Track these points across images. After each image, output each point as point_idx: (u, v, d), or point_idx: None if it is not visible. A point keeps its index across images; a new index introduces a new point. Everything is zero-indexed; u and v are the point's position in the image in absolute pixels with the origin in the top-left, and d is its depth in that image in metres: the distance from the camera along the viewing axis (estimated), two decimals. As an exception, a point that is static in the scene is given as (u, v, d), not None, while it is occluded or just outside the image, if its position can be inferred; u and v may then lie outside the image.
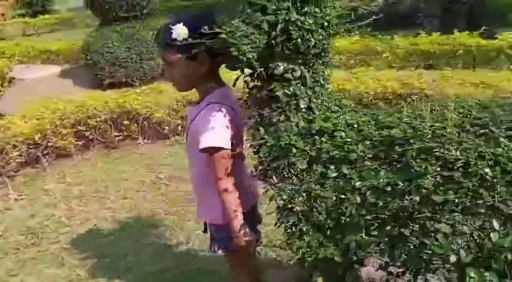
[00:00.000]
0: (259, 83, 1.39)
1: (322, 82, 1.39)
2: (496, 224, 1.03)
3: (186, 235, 2.82)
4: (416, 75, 3.94)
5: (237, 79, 1.44)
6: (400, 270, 1.30)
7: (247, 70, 1.41)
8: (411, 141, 1.16)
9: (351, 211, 1.25)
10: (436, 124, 1.16)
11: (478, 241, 1.06)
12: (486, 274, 1.06)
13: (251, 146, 1.46)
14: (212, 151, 1.48)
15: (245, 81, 1.44)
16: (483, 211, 1.03)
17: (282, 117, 1.36)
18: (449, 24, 6.95)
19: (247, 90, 1.45)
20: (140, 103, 4.13)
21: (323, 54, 1.36)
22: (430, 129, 1.16)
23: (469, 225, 1.05)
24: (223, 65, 1.50)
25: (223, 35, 1.21)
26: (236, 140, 1.53)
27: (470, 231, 1.06)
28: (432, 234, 1.12)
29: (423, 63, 5.31)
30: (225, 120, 1.49)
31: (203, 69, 1.52)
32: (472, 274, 1.09)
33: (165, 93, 4.44)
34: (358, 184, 1.23)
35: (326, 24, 1.30)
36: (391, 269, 1.29)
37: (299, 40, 1.27)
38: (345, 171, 1.24)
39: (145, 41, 5.52)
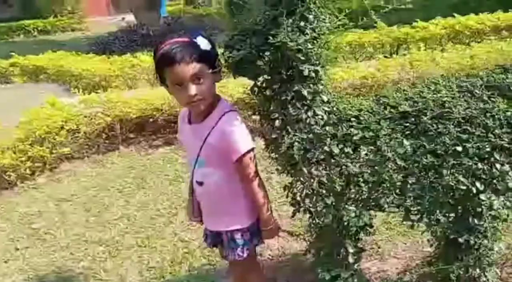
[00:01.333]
0: (279, 87, 1.52)
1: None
2: (498, 158, 1.47)
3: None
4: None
5: (255, 85, 1.56)
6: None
7: (262, 77, 1.53)
8: (424, 111, 1.52)
9: (385, 178, 1.54)
10: (434, 95, 1.55)
11: (487, 172, 1.49)
12: (494, 197, 1.51)
13: (276, 146, 1.58)
14: (249, 152, 1.57)
15: (260, 87, 1.55)
16: (489, 149, 1.47)
17: (311, 113, 1.53)
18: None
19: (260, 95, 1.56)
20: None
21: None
22: (431, 100, 1.54)
23: (482, 163, 1.47)
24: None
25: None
26: None
27: (483, 166, 1.48)
28: (454, 179, 1.51)
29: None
30: (244, 124, 1.59)
31: (217, 82, 1.58)
32: (484, 198, 1.52)
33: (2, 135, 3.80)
34: (390, 154, 1.52)
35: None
36: (412, 217, 1.63)
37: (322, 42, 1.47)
38: (379, 144, 1.51)
39: None
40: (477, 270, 1.72)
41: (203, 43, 1.52)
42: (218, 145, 1.58)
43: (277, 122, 1.55)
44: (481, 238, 1.64)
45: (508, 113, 1.47)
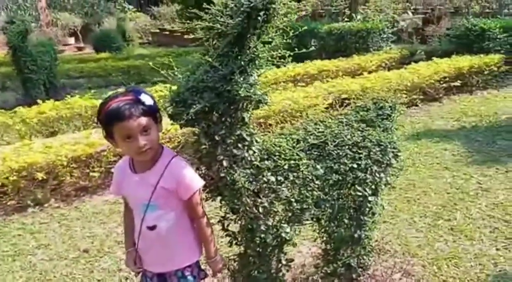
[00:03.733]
0: (225, 132, 1.80)
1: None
2: (377, 168, 2.09)
3: None
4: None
5: (205, 133, 1.79)
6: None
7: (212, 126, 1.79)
8: (327, 141, 2.03)
9: (307, 195, 1.98)
10: (328, 130, 2.08)
11: (372, 180, 2.09)
12: (376, 198, 2.12)
13: (224, 183, 1.83)
14: (199, 190, 1.79)
15: (205, 133, 1.79)
16: (371, 164, 2.08)
17: (251, 152, 1.85)
18: (32, 93, 7.31)
19: (206, 140, 1.80)
20: None
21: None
22: (328, 133, 2.07)
23: (368, 174, 2.07)
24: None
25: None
26: None
27: (369, 176, 2.08)
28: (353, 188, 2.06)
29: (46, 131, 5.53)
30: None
31: (160, 131, 1.77)
32: (371, 199, 2.12)
33: None
34: (310, 177, 1.97)
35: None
36: (325, 223, 2.11)
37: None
38: (301, 169, 1.93)
39: None
40: (365, 257, 2.30)
41: (147, 100, 1.69)
42: (171, 187, 1.73)
43: (225, 163, 1.81)
44: (367, 231, 2.23)
45: (377, 137, 2.12)
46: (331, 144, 2.04)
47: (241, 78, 1.71)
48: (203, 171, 1.90)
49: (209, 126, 1.78)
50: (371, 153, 2.08)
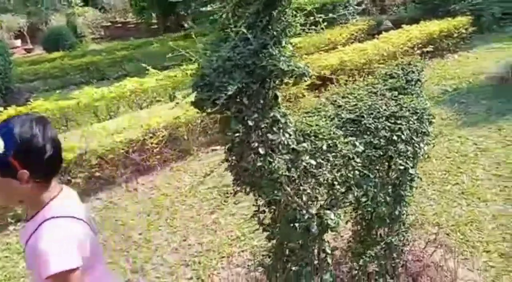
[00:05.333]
0: (258, 115, 1.57)
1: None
2: (415, 138, 1.93)
3: None
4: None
5: (237, 119, 1.56)
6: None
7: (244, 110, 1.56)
8: (362, 114, 1.85)
9: (349, 176, 1.79)
10: (361, 102, 1.90)
11: (412, 152, 1.93)
12: (416, 170, 1.97)
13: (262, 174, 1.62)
14: (63, 275, 1.20)
15: (236, 118, 1.56)
16: (410, 134, 1.91)
17: (287, 135, 1.64)
18: None
19: (239, 126, 1.56)
20: None
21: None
22: (362, 106, 1.88)
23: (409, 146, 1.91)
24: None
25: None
26: (88, 261, 1.28)
27: (410, 148, 1.91)
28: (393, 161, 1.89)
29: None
30: (71, 236, 1.26)
31: (26, 187, 1.26)
32: (412, 172, 1.96)
33: None
34: (350, 155, 1.78)
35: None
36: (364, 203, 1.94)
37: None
38: (340, 148, 1.74)
39: None
40: (404, 233, 2.15)
41: None
42: (32, 259, 1.26)
43: (261, 150, 1.58)
44: (406, 206, 2.07)
45: (412, 104, 1.95)
46: (368, 117, 1.85)
47: (276, 51, 1.48)
48: (232, 162, 1.67)
49: (239, 111, 1.56)
50: (410, 122, 1.91)
